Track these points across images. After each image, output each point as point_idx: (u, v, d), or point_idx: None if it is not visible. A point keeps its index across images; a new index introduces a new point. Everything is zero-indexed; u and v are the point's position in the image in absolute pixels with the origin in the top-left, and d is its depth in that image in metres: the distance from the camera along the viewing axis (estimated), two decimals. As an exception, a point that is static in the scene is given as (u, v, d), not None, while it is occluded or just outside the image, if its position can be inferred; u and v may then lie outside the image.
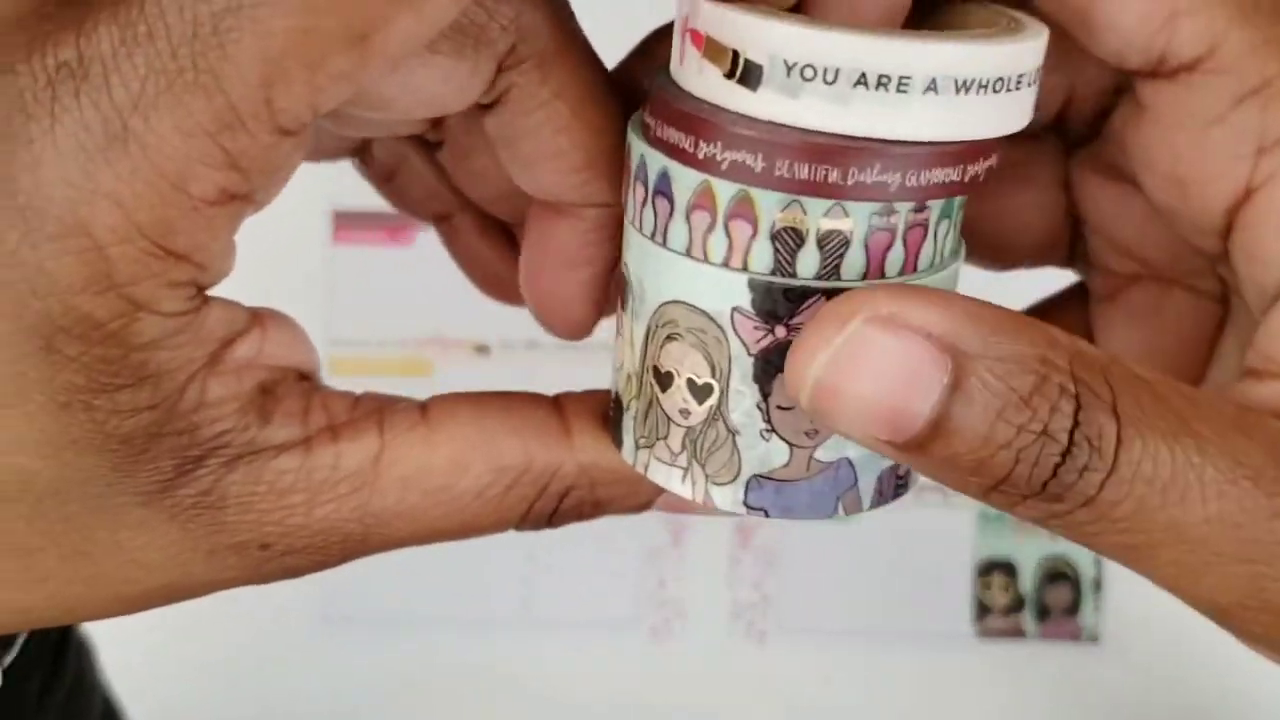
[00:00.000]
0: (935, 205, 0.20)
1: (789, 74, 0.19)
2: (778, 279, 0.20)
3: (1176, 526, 0.18)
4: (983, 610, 0.59)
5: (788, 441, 0.21)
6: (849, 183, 0.19)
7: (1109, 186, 0.24)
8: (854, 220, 0.20)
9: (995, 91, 0.19)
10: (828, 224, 0.20)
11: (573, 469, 0.22)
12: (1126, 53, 0.21)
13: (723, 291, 0.20)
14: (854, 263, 0.20)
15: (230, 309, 0.20)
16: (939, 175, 0.20)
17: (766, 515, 0.22)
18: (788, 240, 0.20)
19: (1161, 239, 0.24)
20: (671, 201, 0.20)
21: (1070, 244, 0.26)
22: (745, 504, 0.22)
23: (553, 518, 0.23)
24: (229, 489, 0.21)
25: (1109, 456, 0.18)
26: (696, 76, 0.20)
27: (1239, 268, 0.21)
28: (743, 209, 0.20)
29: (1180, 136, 0.21)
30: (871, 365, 0.19)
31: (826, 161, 0.19)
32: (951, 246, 0.21)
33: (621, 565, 0.54)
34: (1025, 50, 0.19)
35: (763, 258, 0.20)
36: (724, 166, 0.19)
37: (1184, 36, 0.20)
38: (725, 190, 0.20)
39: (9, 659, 0.28)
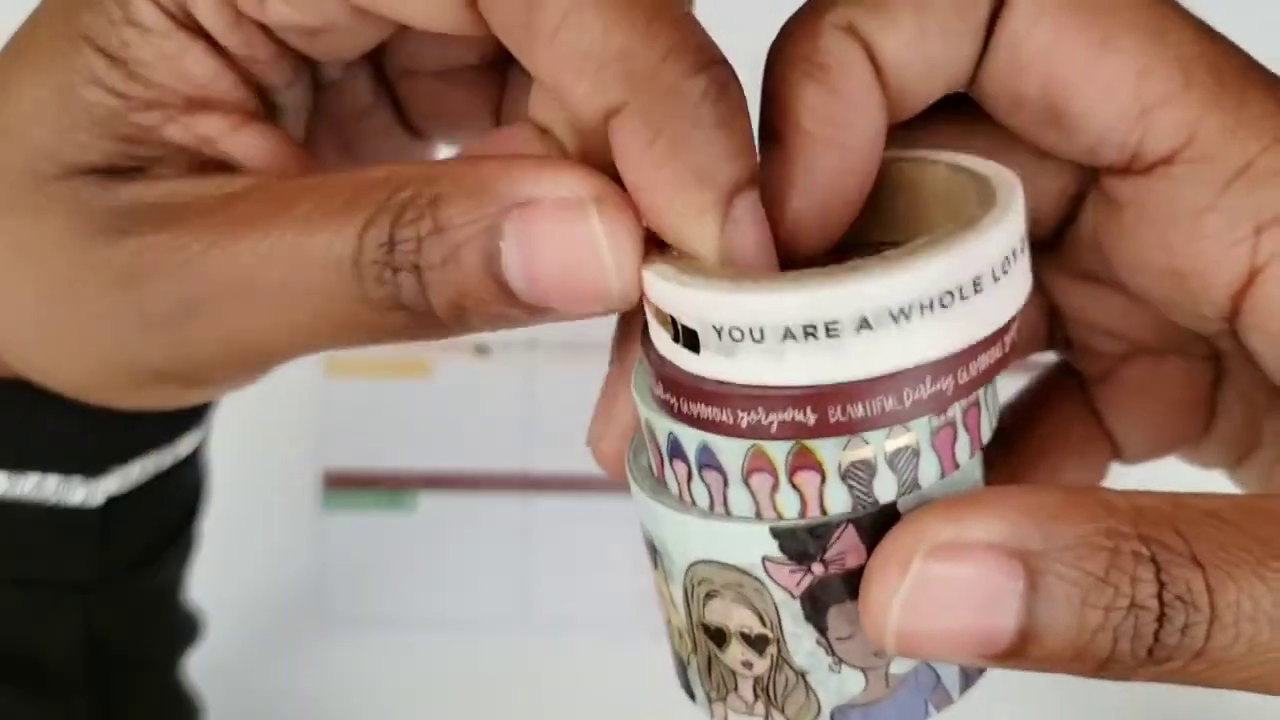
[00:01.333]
0: (986, 390, 0.20)
1: (720, 337, 0.18)
2: (800, 521, 0.19)
3: None
4: (983, 610, 0.59)
5: (859, 668, 0.21)
6: (901, 406, 0.19)
7: (1083, 286, 0.24)
8: (915, 430, 0.19)
9: (944, 306, 0.18)
10: (893, 444, 0.19)
11: (427, 172, 0.21)
12: (1100, 150, 0.21)
13: (749, 544, 0.20)
14: (929, 469, 0.19)
15: (216, 69, 0.23)
16: (979, 365, 0.19)
17: None
18: (859, 475, 0.19)
19: (1147, 322, 0.24)
20: (724, 472, 0.20)
21: (1050, 331, 0.26)
22: None
23: (394, 228, 0.20)
24: (124, 188, 0.23)
25: (1205, 607, 0.18)
26: (664, 343, 0.20)
27: (1255, 344, 0.21)
28: (805, 460, 0.19)
29: (1171, 230, 0.21)
30: (946, 600, 0.18)
31: (873, 395, 0.18)
32: (996, 393, 0.21)
33: (621, 565, 0.54)
34: (976, 250, 0.18)
35: (791, 504, 0.19)
36: (773, 429, 0.19)
37: (1159, 130, 0.20)
38: (779, 449, 0.19)
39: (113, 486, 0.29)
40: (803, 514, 0.19)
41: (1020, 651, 0.18)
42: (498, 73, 0.28)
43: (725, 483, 0.20)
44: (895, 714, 0.21)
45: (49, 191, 0.23)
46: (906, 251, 0.18)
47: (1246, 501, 0.19)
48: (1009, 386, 0.27)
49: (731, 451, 0.19)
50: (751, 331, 0.18)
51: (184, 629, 0.35)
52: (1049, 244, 0.24)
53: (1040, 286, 0.25)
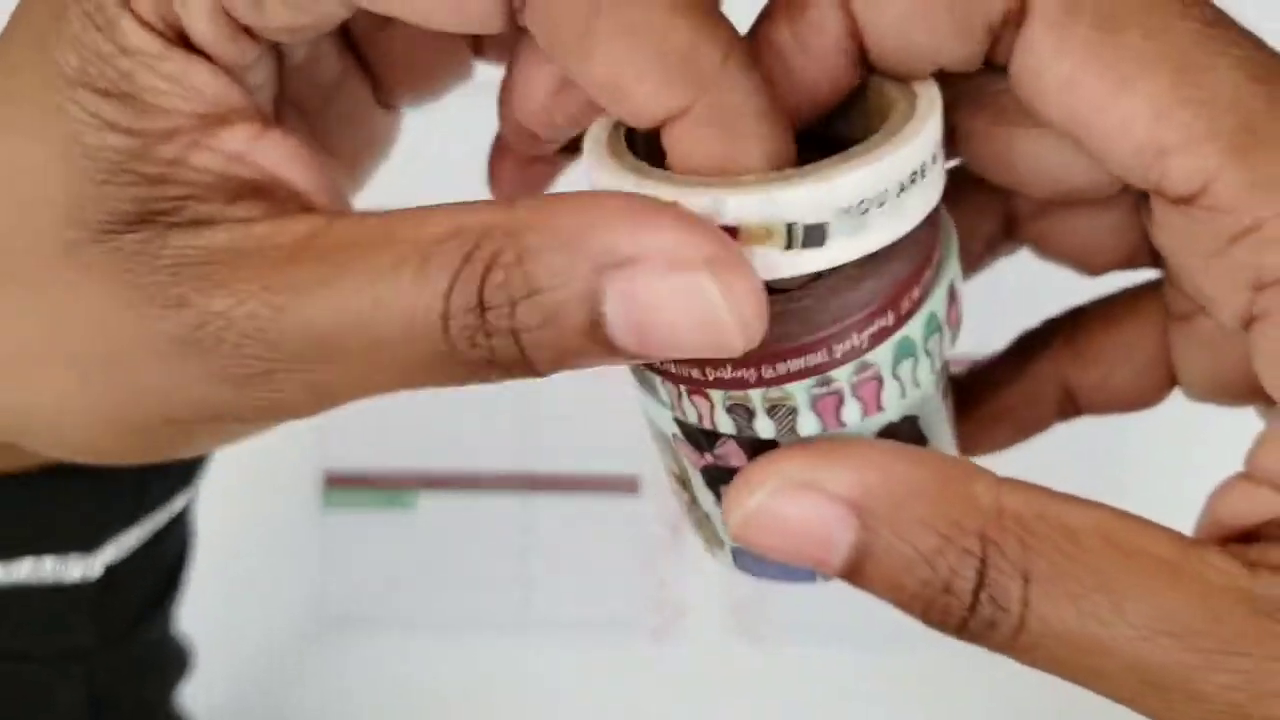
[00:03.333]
0: (884, 354, 0.21)
1: (850, 214, 0.20)
2: (693, 422, 0.22)
3: (1096, 671, 0.20)
4: (983, 610, 0.59)
5: None
6: (777, 374, 0.21)
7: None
8: (795, 394, 0.21)
9: (861, 213, 0.20)
10: (772, 398, 0.21)
11: (503, 223, 0.19)
12: (1127, 178, 0.21)
13: (663, 420, 0.23)
14: (808, 424, 0.21)
15: (224, 82, 0.22)
16: (861, 337, 0.21)
17: (755, 577, 0.24)
18: (741, 413, 0.21)
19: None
20: (654, 377, 0.22)
21: (1154, 251, 0.25)
22: (736, 566, 0.24)
23: (483, 289, 0.19)
24: (169, 241, 0.21)
25: (1015, 616, 0.20)
26: (770, 259, 0.21)
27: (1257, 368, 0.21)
28: (696, 390, 0.21)
29: (1189, 258, 0.21)
30: (780, 530, 0.20)
31: (745, 366, 0.21)
32: (930, 366, 0.22)
33: (621, 565, 0.54)
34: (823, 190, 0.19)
35: (691, 414, 0.22)
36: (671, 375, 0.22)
37: (1176, 174, 0.20)
38: (683, 385, 0.22)
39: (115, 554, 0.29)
40: (700, 422, 0.22)
41: (847, 579, 0.21)
42: None
43: (656, 379, 0.22)
44: (783, 571, 0.24)
45: (84, 260, 0.21)
46: (824, 164, 0.20)
47: (1112, 527, 0.20)
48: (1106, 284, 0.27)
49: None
50: (877, 198, 0.19)
51: (178, 665, 0.35)
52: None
53: (1138, 209, 0.25)
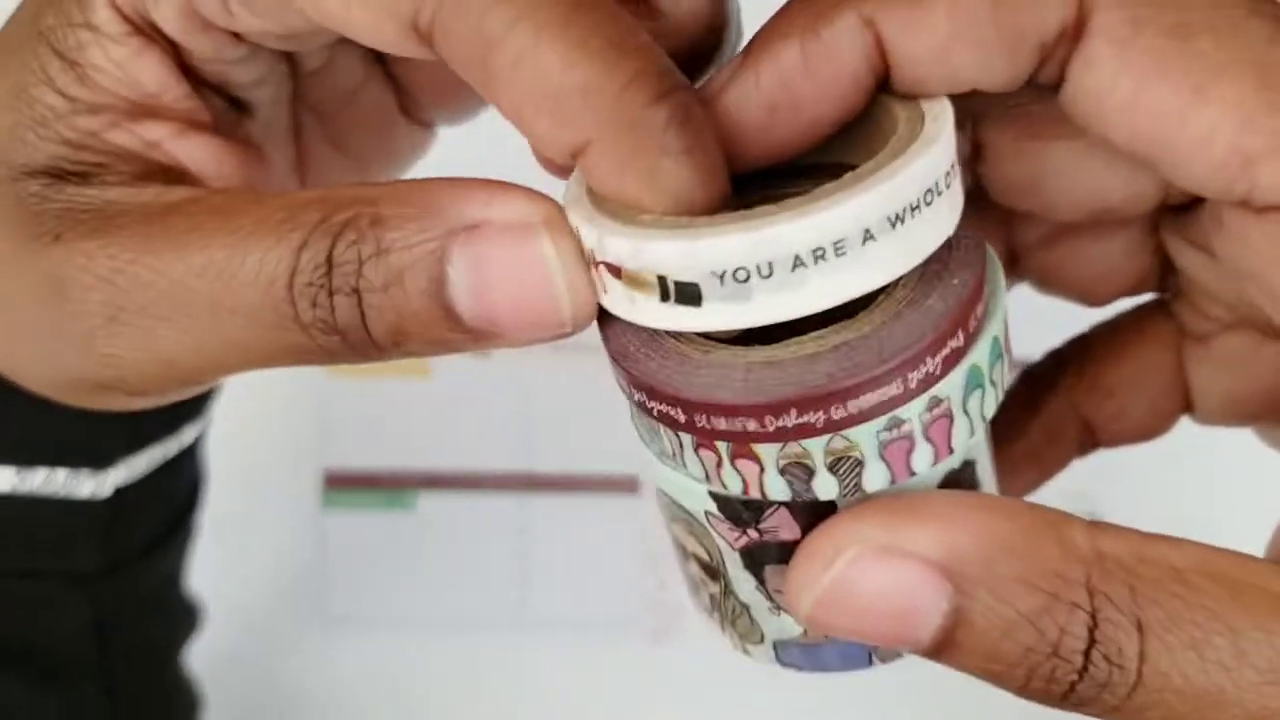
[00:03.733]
0: (955, 385, 0.19)
1: (723, 282, 0.18)
2: (735, 494, 0.19)
3: None
4: (982, 611, 0.59)
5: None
6: (848, 413, 0.18)
7: (1204, 255, 0.23)
8: (861, 443, 0.19)
9: (822, 260, 0.18)
10: (835, 450, 0.19)
11: (367, 194, 0.20)
12: (1205, 191, 0.20)
13: (693, 497, 0.21)
14: (875, 477, 0.19)
15: (171, 79, 0.23)
16: (935, 361, 0.19)
17: (801, 670, 0.22)
18: (797, 473, 0.19)
19: (1259, 309, 0.23)
20: (679, 440, 0.20)
21: (1162, 275, 0.25)
22: (779, 661, 0.22)
23: (333, 247, 0.19)
24: (65, 189, 0.22)
25: (1131, 672, 0.18)
26: (649, 310, 0.19)
27: None
28: (743, 451, 0.19)
29: (1274, 268, 0.20)
30: (862, 605, 0.18)
31: (812, 409, 0.18)
32: (995, 399, 0.20)
33: (621, 566, 0.54)
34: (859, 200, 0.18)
35: (734, 483, 0.19)
36: (715, 434, 0.19)
37: (1268, 182, 0.19)
38: (723, 445, 0.19)
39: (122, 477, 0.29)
40: (745, 492, 0.19)
41: (935, 656, 0.18)
42: None
43: (681, 446, 0.20)
44: (837, 659, 0.21)
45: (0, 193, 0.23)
46: (812, 197, 0.18)
47: (1217, 564, 0.18)
48: (1103, 312, 0.26)
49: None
50: (759, 268, 0.18)
51: (186, 618, 0.35)
52: (1180, 208, 0.23)
53: (1157, 232, 0.24)
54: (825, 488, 0.19)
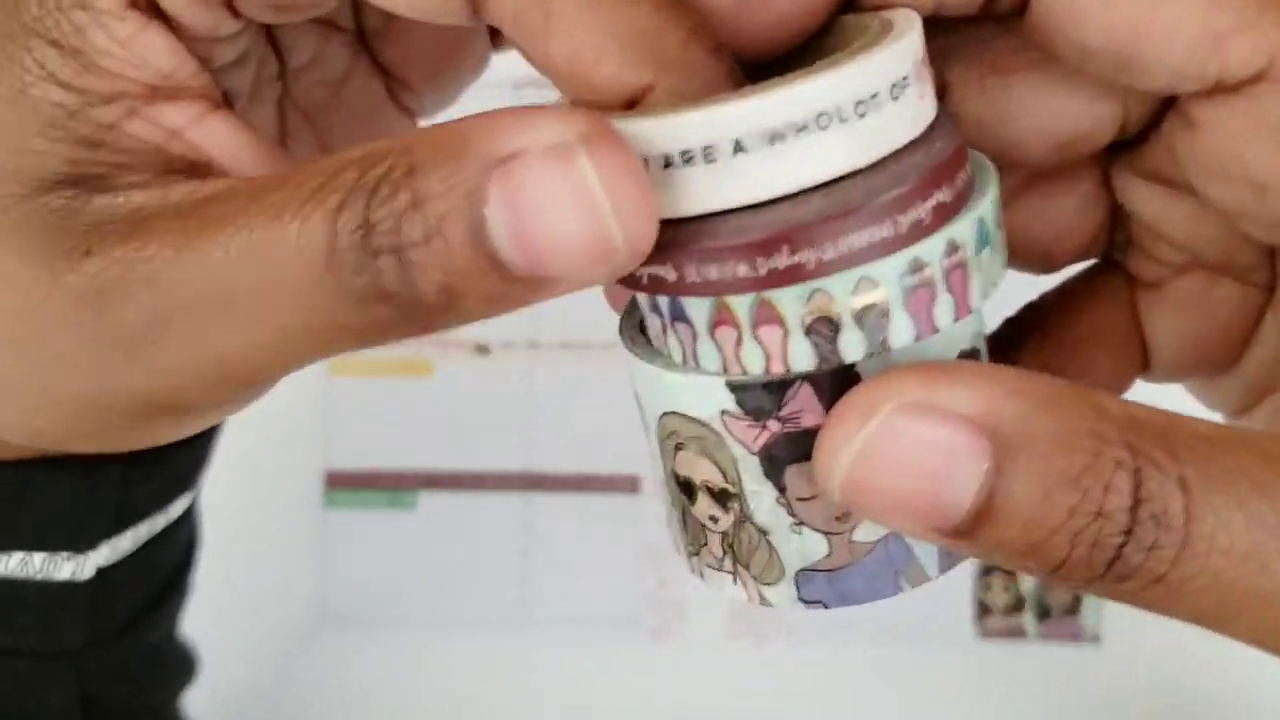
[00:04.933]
0: (966, 230, 0.19)
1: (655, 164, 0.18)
2: (755, 376, 0.19)
3: (1257, 594, 0.17)
4: (983, 610, 0.59)
5: (821, 531, 0.20)
6: (763, 272, 0.18)
7: (1156, 188, 0.24)
8: (887, 285, 0.18)
9: (821, 128, 0.18)
10: (861, 301, 0.18)
11: (401, 143, 0.18)
12: (1179, 83, 0.21)
13: (708, 397, 0.20)
14: (901, 330, 0.19)
15: (180, 55, 0.21)
16: (922, 209, 0.19)
17: (826, 607, 0.21)
18: (823, 331, 0.18)
19: (1214, 235, 0.24)
20: (692, 326, 0.19)
21: (1112, 234, 0.25)
22: (800, 600, 0.21)
23: (369, 205, 0.18)
24: (92, 203, 0.20)
25: (1178, 532, 0.17)
26: None
27: None
28: (767, 313, 0.18)
29: (1252, 146, 0.21)
30: (903, 458, 0.17)
31: (805, 245, 0.18)
32: (1001, 259, 0.20)
33: (621, 565, 0.54)
34: (848, 75, 0.18)
35: (755, 359, 0.19)
36: (724, 282, 0.18)
37: (1238, 56, 0.20)
38: (741, 302, 0.19)
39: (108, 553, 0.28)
40: (767, 369, 0.19)
41: (970, 532, 0.18)
42: None
43: (694, 336, 0.19)
44: (863, 583, 0.20)
45: (12, 217, 0.21)
46: (781, 79, 0.18)
47: (1240, 433, 0.18)
48: (1054, 278, 0.26)
49: (698, 305, 0.19)
50: (684, 154, 0.18)
51: (180, 670, 0.34)
52: (1129, 145, 0.24)
53: (1107, 186, 0.25)
54: (851, 344, 0.18)
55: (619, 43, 0.19)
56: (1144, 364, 0.26)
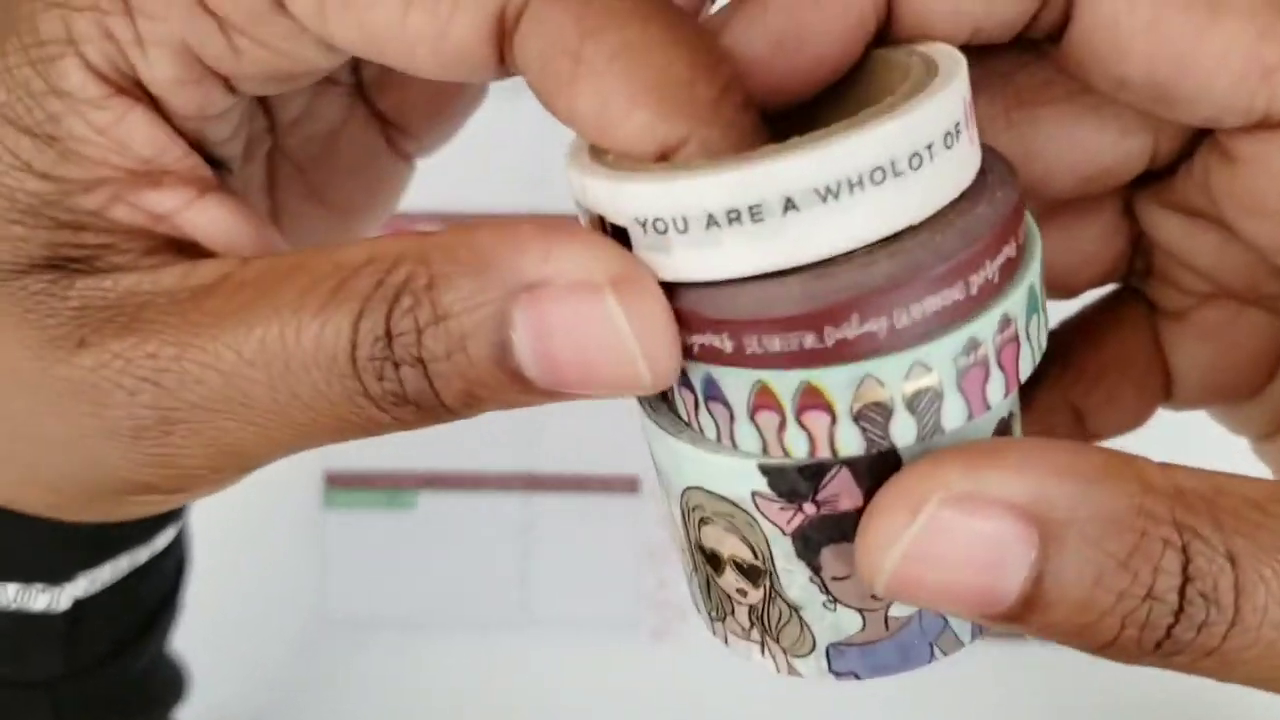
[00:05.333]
0: (1018, 306, 0.18)
1: (646, 231, 0.17)
2: (789, 460, 0.18)
3: None
4: (983, 610, 0.59)
5: (855, 608, 0.19)
6: (831, 343, 0.17)
7: (1184, 220, 0.23)
8: (940, 368, 0.17)
9: (875, 183, 0.17)
10: (912, 387, 0.17)
11: (418, 249, 0.18)
12: (1222, 117, 0.20)
13: (738, 478, 0.19)
14: (953, 412, 0.18)
15: (164, 139, 0.20)
16: (993, 267, 0.17)
17: (859, 678, 0.20)
18: (874, 417, 0.18)
19: (1241, 266, 0.23)
20: (729, 407, 0.18)
21: (1132, 260, 0.25)
22: (832, 672, 0.20)
23: (390, 315, 0.18)
24: (75, 284, 0.20)
25: (1229, 609, 0.17)
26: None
27: None
28: (813, 399, 0.18)
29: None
30: (952, 553, 0.17)
31: (874, 314, 0.17)
32: (1046, 321, 0.19)
33: (621, 565, 0.54)
34: (904, 124, 0.17)
35: (799, 444, 0.18)
36: (776, 357, 0.17)
37: None
38: (786, 385, 0.18)
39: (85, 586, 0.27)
40: (812, 454, 0.18)
41: (1019, 617, 0.17)
42: None
43: (731, 418, 0.18)
44: (897, 656, 0.20)
45: None
46: (830, 130, 0.17)
47: None
48: (1074, 303, 0.26)
49: (736, 386, 0.18)
50: (675, 221, 0.17)
51: (168, 692, 0.33)
52: (1156, 175, 0.23)
53: (1130, 214, 0.24)
54: (903, 430, 0.18)
55: (653, 94, 0.18)
56: (1167, 392, 0.26)
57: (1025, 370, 0.19)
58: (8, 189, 0.20)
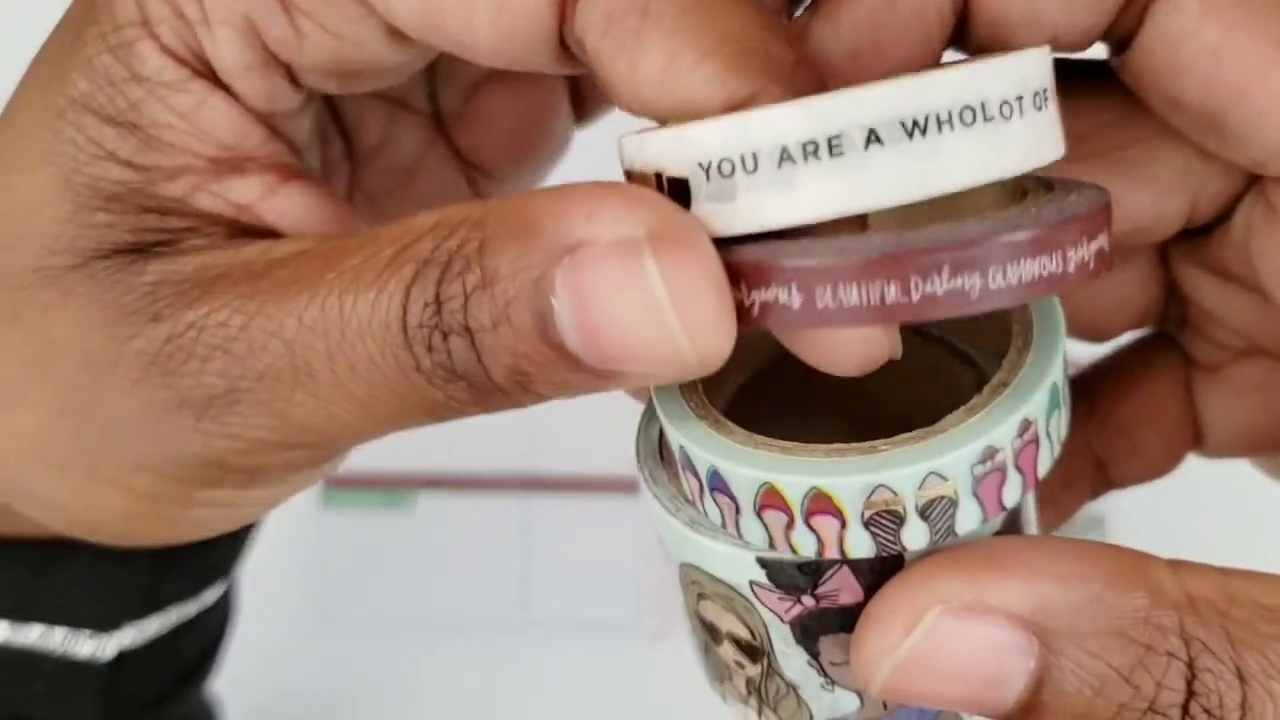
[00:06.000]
0: (1039, 409, 0.17)
1: (709, 177, 0.16)
2: (787, 556, 0.17)
3: None
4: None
5: (853, 690, 0.19)
6: (916, 298, 0.15)
7: (1217, 281, 0.23)
8: (954, 480, 0.17)
9: (965, 124, 0.16)
10: (929, 493, 0.17)
11: (476, 213, 0.17)
12: (1271, 163, 0.19)
13: (735, 567, 0.18)
14: (967, 518, 0.17)
15: (245, 123, 0.20)
16: (1088, 248, 0.16)
17: None
18: (885, 524, 0.17)
19: (1277, 329, 0.22)
20: (735, 501, 0.18)
21: (1167, 308, 0.24)
22: None
23: (441, 280, 0.17)
24: (150, 264, 0.20)
25: None
26: None
27: None
28: (822, 505, 0.17)
29: None
30: (949, 666, 0.16)
31: (960, 261, 0.15)
32: (1068, 413, 0.18)
33: (621, 567, 0.54)
34: (998, 69, 0.16)
35: (807, 544, 0.17)
36: (844, 309, 0.15)
37: None
38: (795, 490, 0.17)
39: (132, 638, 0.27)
40: (820, 554, 0.17)
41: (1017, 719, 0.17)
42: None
43: (737, 511, 0.18)
44: None
45: (64, 286, 0.20)
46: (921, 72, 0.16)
47: None
48: (1101, 348, 0.25)
49: (743, 483, 0.17)
50: (744, 160, 0.16)
51: None
52: (1193, 233, 0.22)
53: (1164, 264, 0.24)
54: (915, 537, 0.17)
55: (727, 46, 0.17)
56: (1195, 442, 0.25)
57: (1044, 469, 0.18)
58: (91, 178, 0.20)
